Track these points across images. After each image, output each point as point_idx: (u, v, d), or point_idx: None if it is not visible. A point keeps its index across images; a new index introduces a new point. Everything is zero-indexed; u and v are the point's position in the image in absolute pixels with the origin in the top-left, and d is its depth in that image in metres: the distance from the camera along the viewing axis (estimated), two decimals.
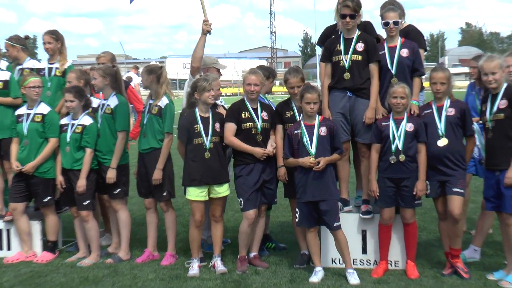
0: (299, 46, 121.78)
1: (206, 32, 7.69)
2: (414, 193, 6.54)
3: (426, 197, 6.72)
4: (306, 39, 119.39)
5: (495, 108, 6.28)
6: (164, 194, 7.29)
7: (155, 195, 7.35)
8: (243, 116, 6.88)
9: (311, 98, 6.53)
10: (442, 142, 6.49)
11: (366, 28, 7.16)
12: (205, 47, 7.64)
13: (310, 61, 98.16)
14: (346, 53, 6.92)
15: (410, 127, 6.58)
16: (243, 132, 6.87)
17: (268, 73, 7.67)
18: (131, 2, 8.33)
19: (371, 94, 6.86)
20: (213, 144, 6.85)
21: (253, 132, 6.87)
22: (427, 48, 7.70)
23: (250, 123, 6.87)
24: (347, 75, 6.91)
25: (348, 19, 6.86)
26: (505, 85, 6.32)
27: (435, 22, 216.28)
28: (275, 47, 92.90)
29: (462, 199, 6.46)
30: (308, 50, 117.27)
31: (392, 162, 6.55)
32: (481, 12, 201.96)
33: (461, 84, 62.01)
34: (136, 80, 21.22)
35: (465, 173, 6.55)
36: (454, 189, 6.41)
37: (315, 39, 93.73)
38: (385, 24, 6.87)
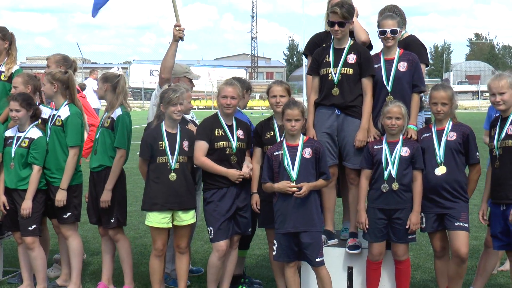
0: (284, 54, 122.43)
1: (178, 38, 7.79)
2: (408, 226, 6.65)
3: (421, 231, 6.84)
4: (292, 47, 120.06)
5: (503, 134, 6.40)
6: (112, 220, 7.32)
7: (102, 221, 7.38)
8: (216, 134, 6.96)
9: (292, 115, 6.62)
10: (440, 170, 6.60)
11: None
12: (176, 54, 7.74)
13: (295, 72, 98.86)
14: (336, 65, 7.03)
15: (405, 151, 6.69)
16: (216, 152, 6.94)
17: (245, 86, 7.77)
18: (94, 15, 8.37)
19: (363, 113, 6.97)
20: (179, 164, 6.91)
21: (227, 152, 6.95)
22: (430, 61, 7.86)
23: (224, 142, 6.95)
24: (336, 91, 7.02)
25: (336, 27, 6.98)
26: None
27: (440, 32, 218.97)
28: (256, 55, 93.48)
29: (468, 234, 6.58)
30: (294, 59, 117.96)
31: (384, 190, 6.66)
32: (492, 22, 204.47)
33: (467, 104, 62.85)
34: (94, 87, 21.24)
35: (467, 205, 6.66)
36: (457, 224, 6.53)
37: (302, 47, 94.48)
38: (382, 33, 6.99)
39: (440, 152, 6.62)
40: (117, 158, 7.23)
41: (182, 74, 8.02)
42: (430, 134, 6.76)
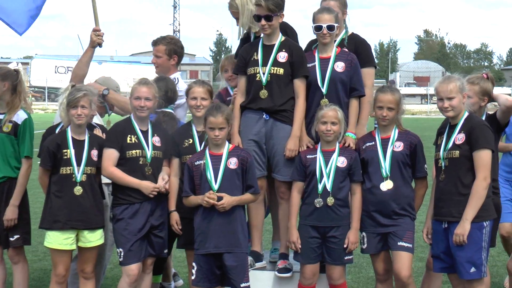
0: (211, 50, 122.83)
1: (96, 44, 7.82)
2: (345, 246, 6.75)
3: (362, 252, 6.94)
4: (220, 42, 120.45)
5: (450, 144, 6.51)
6: (13, 239, 7.22)
7: (1, 240, 7.27)
8: (128, 141, 6.92)
9: (215, 123, 6.63)
10: (386, 185, 6.72)
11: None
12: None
13: None
14: (265, 64, 7.09)
15: (342, 162, 6.79)
16: (128, 162, 6.90)
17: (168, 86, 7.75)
18: (21, 34, 8.24)
19: (295, 118, 7.04)
20: (86, 176, 6.85)
21: (140, 162, 6.92)
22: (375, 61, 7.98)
23: (137, 151, 6.92)
24: (264, 93, 7.08)
25: (263, 21, 7.04)
26: (465, 114, 6.55)
27: (385, 27, 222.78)
28: None
29: (411, 256, 6.71)
30: (222, 56, 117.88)
31: (318, 206, 6.74)
32: (443, 17, 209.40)
33: (415, 109, 63.92)
34: None
35: (414, 224, 6.79)
36: (400, 243, 6.65)
37: (231, 42, 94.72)
38: (317, 29, 7.08)
39: (385, 164, 6.74)
40: (25, 169, 7.18)
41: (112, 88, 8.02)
42: (373, 143, 6.87)
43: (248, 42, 7.52)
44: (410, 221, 6.74)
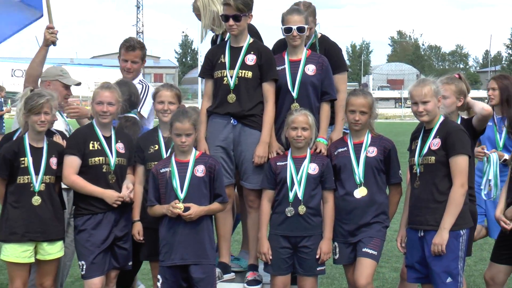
0: (176, 53, 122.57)
1: (50, 43, 7.77)
2: (317, 256, 6.77)
3: (334, 263, 6.97)
4: (186, 44, 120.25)
5: (425, 149, 6.54)
6: None
7: None
8: (90, 148, 6.88)
9: (181, 129, 6.63)
10: (360, 192, 6.75)
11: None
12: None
13: (189, 74, 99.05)
14: (232, 67, 7.10)
15: (313, 169, 6.82)
16: (90, 170, 6.86)
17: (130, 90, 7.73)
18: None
19: (264, 124, 7.05)
20: (44, 185, 6.79)
21: (103, 170, 6.88)
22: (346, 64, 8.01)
23: (100, 158, 6.88)
24: (231, 97, 7.08)
25: (231, 21, 7.05)
26: (441, 119, 6.60)
27: (357, 28, 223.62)
28: None
29: (374, 264, 6.72)
30: (188, 59, 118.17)
31: (289, 215, 6.75)
32: (417, 18, 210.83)
33: (389, 113, 64.38)
34: None
35: (385, 230, 6.83)
36: (364, 249, 6.68)
37: (197, 44, 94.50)
38: (287, 30, 7.09)
39: (359, 170, 6.77)
40: None
41: (54, 77, 7.90)
42: (346, 149, 6.89)
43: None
44: (380, 228, 6.78)
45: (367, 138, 6.87)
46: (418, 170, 6.55)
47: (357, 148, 6.85)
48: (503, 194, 6.90)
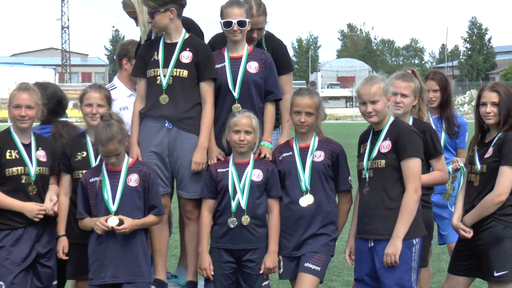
0: (106, 49, 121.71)
1: None
2: (261, 271, 6.78)
3: (279, 278, 7.00)
4: (117, 40, 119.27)
5: (375, 152, 6.58)
6: None
7: None
8: (7, 157, 6.82)
9: (108, 152, 6.58)
10: (306, 200, 6.77)
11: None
12: None
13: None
14: (166, 66, 7.09)
15: (257, 175, 6.83)
16: (8, 181, 6.79)
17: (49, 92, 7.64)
18: None
19: (202, 127, 7.03)
20: None
21: (23, 180, 6.82)
22: (293, 59, 8.09)
23: (19, 168, 6.82)
24: (164, 98, 7.07)
25: (149, 18, 7.10)
26: (390, 119, 6.64)
27: (304, 21, 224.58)
28: (68, 49, 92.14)
29: (316, 280, 6.73)
30: None
31: (232, 226, 6.76)
32: (369, 10, 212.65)
33: (340, 113, 64.83)
34: None
35: (332, 244, 6.85)
36: (306, 265, 6.70)
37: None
38: (226, 25, 7.10)
39: (305, 177, 6.79)
40: None
41: None
42: (291, 153, 6.92)
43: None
44: (327, 242, 6.79)
45: (313, 142, 6.90)
46: (367, 175, 6.57)
47: (303, 152, 6.88)
48: (460, 200, 6.96)
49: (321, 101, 6.94)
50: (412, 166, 6.42)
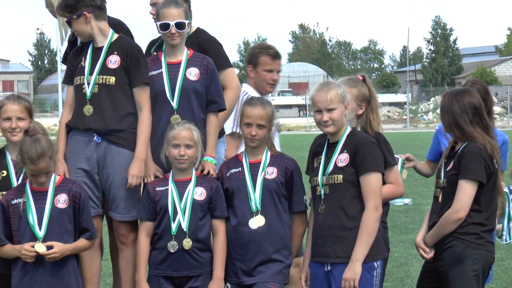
0: (30, 54, 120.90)
1: None
2: None
3: None
4: (42, 44, 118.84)
5: (331, 166, 6.59)
6: None
7: None
8: None
9: (36, 170, 6.51)
10: (257, 222, 6.77)
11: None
12: None
13: (48, 81, 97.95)
14: (91, 72, 7.08)
15: (200, 193, 6.84)
16: None
17: None
18: None
19: (139, 136, 7.02)
20: None
21: None
22: (233, 64, 8.11)
23: None
24: (88, 109, 7.06)
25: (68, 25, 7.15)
26: (347, 130, 6.66)
27: (250, 21, 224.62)
28: None
29: None
30: (45, 62, 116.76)
31: (172, 250, 6.74)
32: (322, 9, 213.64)
33: (292, 123, 64.83)
34: None
35: (286, 271, 6.84)
36: None
37: (55, 44, 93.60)
38: (163, 27, 7.08)
39: (255, 195, 6.80)
40: None
41: None
42: (240, 169, 6.92)
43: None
44: (281, 269, 6.79)
45: (265, 157, 6.90)
46: (322, 192, 6.58)
47: (254, 168, 6.87)
48: (426, 219, 7.01)
49: (274, 111, 6.92)
50: (372, 181, 6.45)
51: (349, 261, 6.39)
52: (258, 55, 8.08)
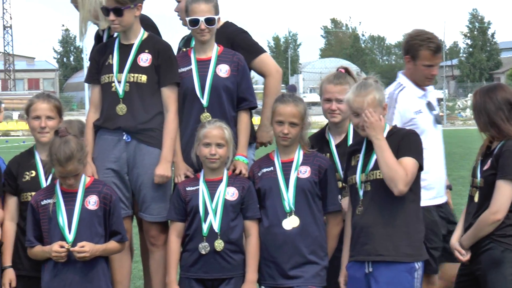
0: (55, 52, 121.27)
1: None
2: None
3: None
4: (68, 41, 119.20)
5: (371, 163, 6.56)
6: None
7: None
8: None
9: (64, 172, 6.53)
10: (290, 222, 6.75)
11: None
12: None
13: (73, 79, 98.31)
14: (121, 70, 7.10)
15: (232, 194, 6.84)
16: None
17: None
18: None
19: (164, 138, 7.04)
20: None
21: None
22: None
23: None
24: (121, 108, 7.08)
25: (112, 15, 7.04)
26: (387, 128, 6.59)
27: (281, 16, 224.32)
28: (11, 52, 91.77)
29: None
30: (71, 59, 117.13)
31: (204, 252, 6.75)
32: (355, 2, 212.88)
33: (324, 121, 64.42)
34: None
35: (324, 274, 6.82)
36: None
37: (79, 38, 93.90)
38: (192, 23, 7.10)
39: (288, 195, 6.79)
40: None
41: None
42: (272, 168, 6.90)
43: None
44: (318, 272, 6.77)
45: (298, 156, 6.89)
46: (361, 191, 6.56)
47: (286, 167, 6.86)
48: (461, 218, 6.96)
49: (306, 109, 6.90)
50: (409, 164, 6.40)
51: (391, 259, 6.39)
52: (418, 48, 7.68)
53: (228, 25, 7.69)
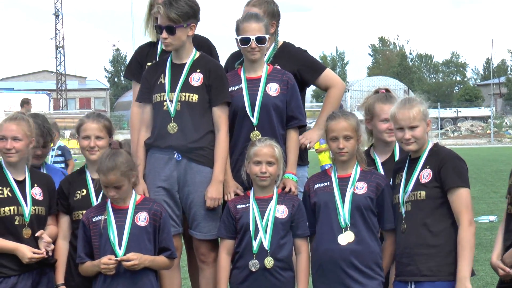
0: (106, 71, 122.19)
1: None
2: None
3: None
4: (118, 60, 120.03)
5: (412, 182, 6.54)
6: None
7: None
8: None
9: (109, 182, 6.57)
10: (346, 238, 6.70)
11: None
12: None
13: (124, 97, 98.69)
14: (173, 90, 7.11)
15: (282, 211, 6.82)
16: None
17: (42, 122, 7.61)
18: None
19: (216, 158, 7.05)
20: None
21: (16, 222, 6.82)
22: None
23: (12, 208, 6.82)
24: (173, 127, 7.09)
25: (164, 33, 7.05)
26: (429, 145, 6.61)
27: (329, 35, 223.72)
28: (63, 72, 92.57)
29: None
30: (122, 78, 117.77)
31: (254, 269, 6.74)
32: (403, 21, 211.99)
33: None
34: None
35: (381, 286, 6.74)
36: None
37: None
38: (243, 42, 7.12)
39: (344, 210, 6.73)
40: None
41: None
42: (328, 183, 6.86)
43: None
44: (375, 285, 6.70)
45: (355, 171, 6.83)
46: (403, 210, 6.56)
47: (343, 182, 6.81)
48: (499, 236, 6.84)
49: (358, 122, 6.85)
50: (463, 196, 6.40)
51: (434, 279, 6.37)
52: None
53: (288, 45, 7.74)
